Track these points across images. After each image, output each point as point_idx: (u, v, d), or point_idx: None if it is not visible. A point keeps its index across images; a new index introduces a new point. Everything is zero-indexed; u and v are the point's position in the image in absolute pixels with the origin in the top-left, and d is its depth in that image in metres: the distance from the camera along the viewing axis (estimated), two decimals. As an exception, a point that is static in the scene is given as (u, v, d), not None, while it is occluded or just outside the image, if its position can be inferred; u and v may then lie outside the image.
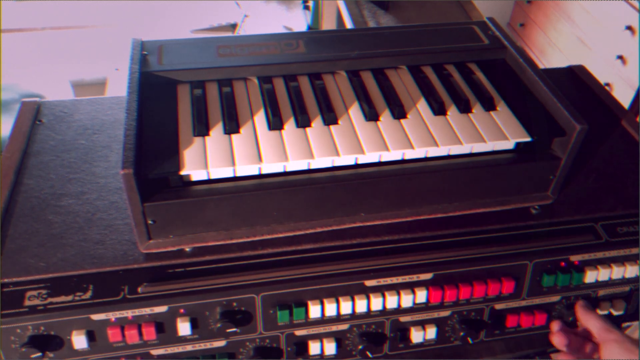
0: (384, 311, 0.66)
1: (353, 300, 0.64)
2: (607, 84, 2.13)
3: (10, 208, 0.66)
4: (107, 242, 0.63)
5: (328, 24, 2.17)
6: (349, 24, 1.84)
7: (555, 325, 0.72)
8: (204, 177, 0.62)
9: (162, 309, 0.60)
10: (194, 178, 0.62)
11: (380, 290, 0.65)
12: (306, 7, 2.62)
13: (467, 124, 0.69)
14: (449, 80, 0.75)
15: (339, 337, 0.67)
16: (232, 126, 0.65)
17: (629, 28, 1.99)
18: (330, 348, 0.67)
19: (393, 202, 0.66)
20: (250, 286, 0.61)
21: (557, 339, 0.70)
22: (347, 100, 0.71)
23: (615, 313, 0.74)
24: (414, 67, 0.78)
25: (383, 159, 0.66)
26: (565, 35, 2.39)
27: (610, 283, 0.71)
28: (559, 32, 2.43)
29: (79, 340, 0.58)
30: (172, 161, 0.60)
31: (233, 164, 0.61)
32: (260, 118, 0.67)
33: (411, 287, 0.65)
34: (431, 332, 0.69)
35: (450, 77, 0.76)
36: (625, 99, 2.01)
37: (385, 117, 0.69)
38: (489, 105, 0.71)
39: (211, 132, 0.65)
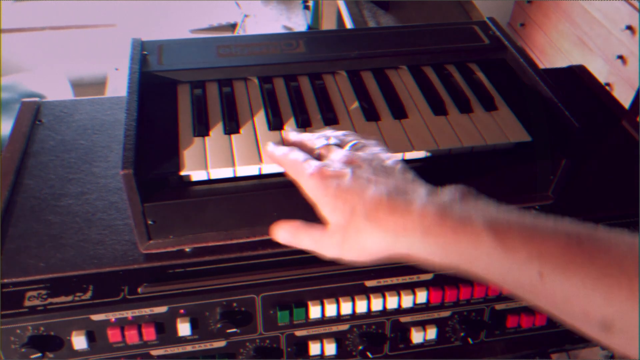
0: (384, 311, 0.66)
1: (353, 300, 0.64)
2: (607, 84, 2.13)
3: (10, 208, 0.66)
4: (107, 242, 0.63)
5: (328, 24, 2.17)
6: (349, 24, 1.84)
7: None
8: (204, 178, 0.62)
9: (162, 309, 0.60)
10: (194, 178, 0.61)
11: (381, 290, 0.65)
12: (306, 7, 2.62)
13: (467, 124, 0.69)
14: (450, 80, 0.75)
15: (339, 338, 0.67)
16: (232, 126, 0.65)
17: (629, 28, 1.99)
18: (330, 348, 0.67)
19: (393, 202, 0.66)
20: (250, 286, 0.61)
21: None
22: (347, 100, 0.71)
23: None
24: (414, 67, 0.78)
25: (383, 159, 0.65)
26: (565, 35, 2.39)
27: (610, 283, 0.71)
28: (559, 32, 2.43)
29: (79, 341, 0.58)
30: (172, 161, 0.60)
31: (233, 164, 0.61)
32: (260, 118, 0.67)
33: (411, 287, 0.65)
34: (431, 333, 0.69)
35: (451, 77, 0.76)
36: (625, 99, 2.01)
37: (386, 117, 0.69)
38: (489, 106, 0.71)
39: (211, 132, 0.65)
